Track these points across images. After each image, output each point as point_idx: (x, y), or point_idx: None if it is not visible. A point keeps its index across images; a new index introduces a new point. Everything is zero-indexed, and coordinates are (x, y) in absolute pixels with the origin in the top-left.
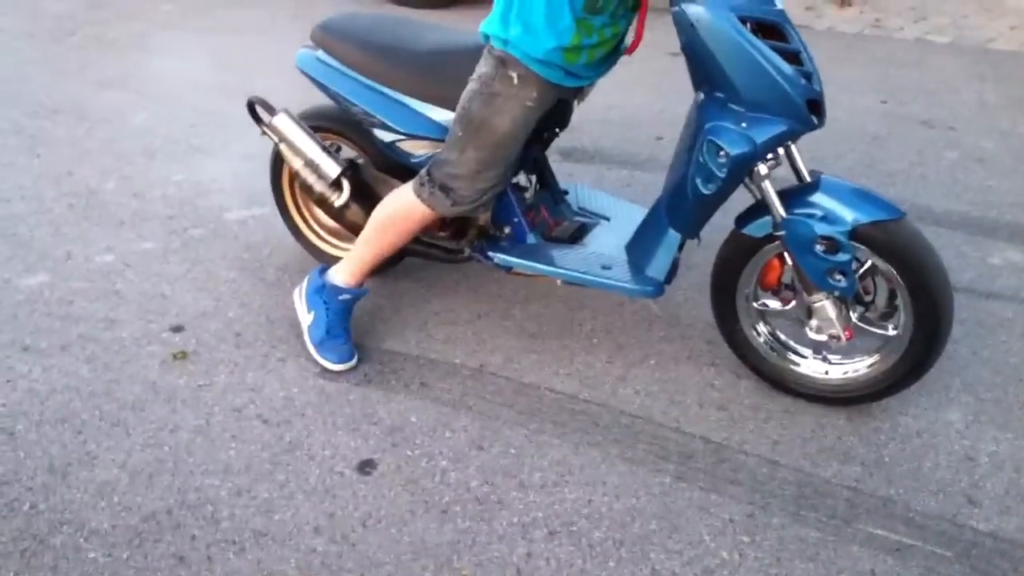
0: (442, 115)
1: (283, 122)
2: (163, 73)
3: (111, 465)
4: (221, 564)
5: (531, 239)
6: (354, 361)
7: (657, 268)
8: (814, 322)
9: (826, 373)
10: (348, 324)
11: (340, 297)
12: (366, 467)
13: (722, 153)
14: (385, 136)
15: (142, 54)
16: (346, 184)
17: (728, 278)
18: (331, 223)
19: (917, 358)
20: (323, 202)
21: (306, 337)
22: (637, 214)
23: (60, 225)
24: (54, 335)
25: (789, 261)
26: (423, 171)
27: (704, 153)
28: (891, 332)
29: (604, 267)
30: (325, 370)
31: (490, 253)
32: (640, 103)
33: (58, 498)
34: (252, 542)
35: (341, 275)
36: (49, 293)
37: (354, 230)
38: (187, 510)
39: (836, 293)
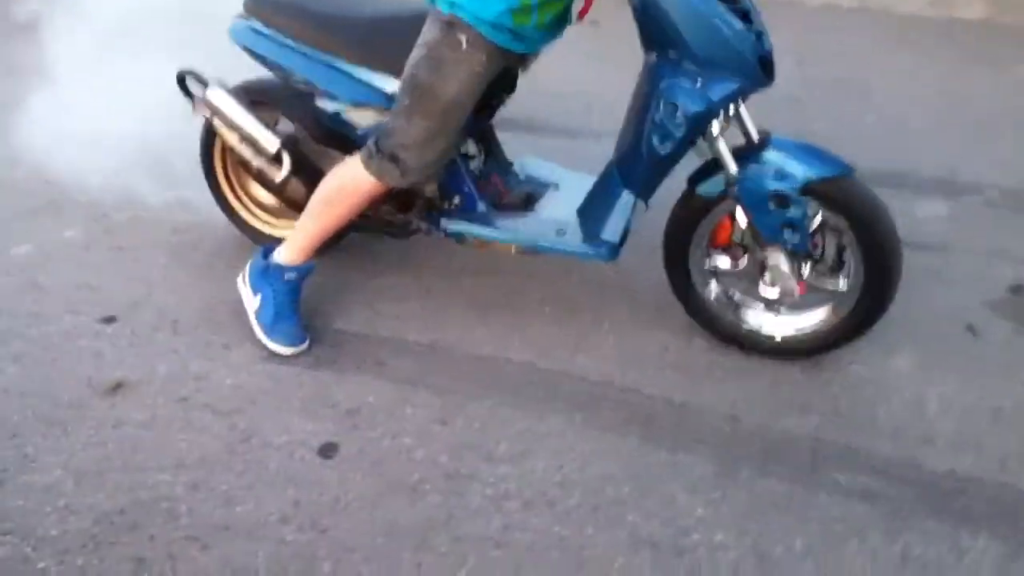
0: (387, 83)
1: (217, 95)
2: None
3: (53, 467)
4: (184, 563)
5: (481, 207)
6: (306, 344)
7: (612, 231)
8: (768, 277)
9: (777, 329)
10: (297, 305)
11: (286, 276)
12: (328, 451)
13: (679, 112)
14: (328, 107)
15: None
16: (286, 158)
17: (681, 239)
18: (268, 201)
19: (867, 310)
20: (262, 178)
21: (253, 322)
22: (585, 181)
23: None
24: None
25: (742, 218)
26: (370, 142)
27: (660, 113)
28: (841, 287)
29: (559, 232)
30: (274, 355)
31: (442, 223)
32: (568, 73)
33: None
34: (215, 537)
35: (286, 253)
36: None
37: (295, 206)
38: (141, 509)
39: (789, 247)
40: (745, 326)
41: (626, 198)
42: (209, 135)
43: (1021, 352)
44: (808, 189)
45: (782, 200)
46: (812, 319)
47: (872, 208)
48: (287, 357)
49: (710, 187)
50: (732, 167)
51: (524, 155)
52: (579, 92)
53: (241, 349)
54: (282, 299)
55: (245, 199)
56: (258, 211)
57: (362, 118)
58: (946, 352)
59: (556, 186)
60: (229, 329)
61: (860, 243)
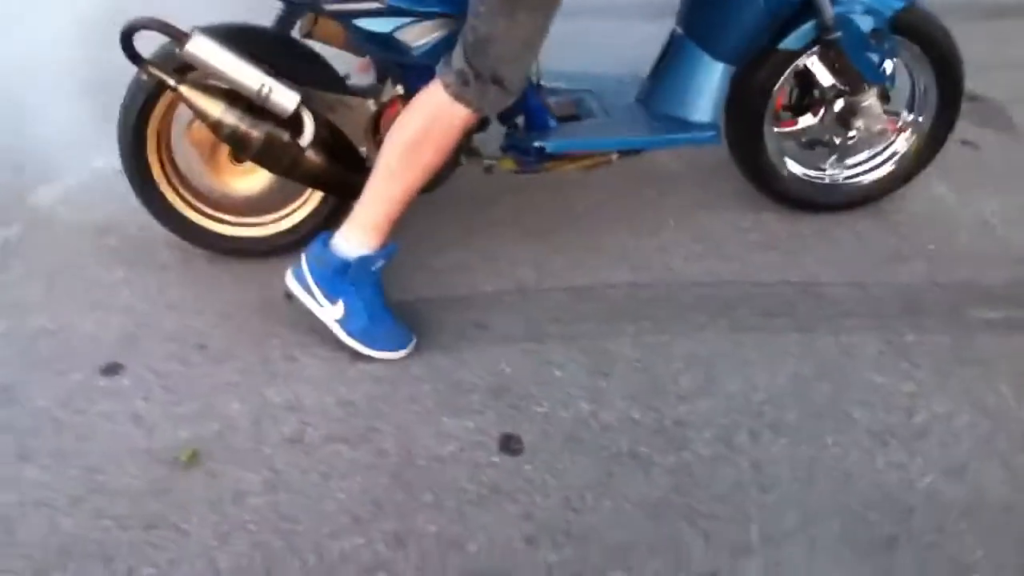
0: None
1: (204, 47)
2: None
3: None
4: None
5: (552, 122)
6: (414, 340)
7: (710, 110)
8: (860, 122)
9: (858, 177)
10: (384, 297)
11: (373, 268)
12: (510, 444)
13: None
14: (375, 26)
15: None
16: (308, 117)
17: (757, 105)
18: (218, 191)
19: (937, 137)
20: (269, 151)
21: (340, 334)
22: (613, 81)
23: None
24: None
25: (821, 72)
26: (456, 64)
27: None
28: (920, 119)
29: (654, 125)
30: (359, 355)
31: (537, 144)
32: None
33: None
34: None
35: (363, 237)
36: None
37: (313, 181)
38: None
39: (885, 84)
40: (823, 183)
41: (722, 70)
42: (144, 110)
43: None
44: (894, 21)
45: (877, 37)
46: (883, 162)
47: (943, 32)
48: (401, 358)
49: (796, 40)
50: (829, 11)
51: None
52: None
53: (313, 358)
54: (371, 297)
55: (185, 191)
56: (205, 207)
57: (418, 35)
58: (961, 169)
59: (589, 92)
60: (275, 337)
61: (935, 68)
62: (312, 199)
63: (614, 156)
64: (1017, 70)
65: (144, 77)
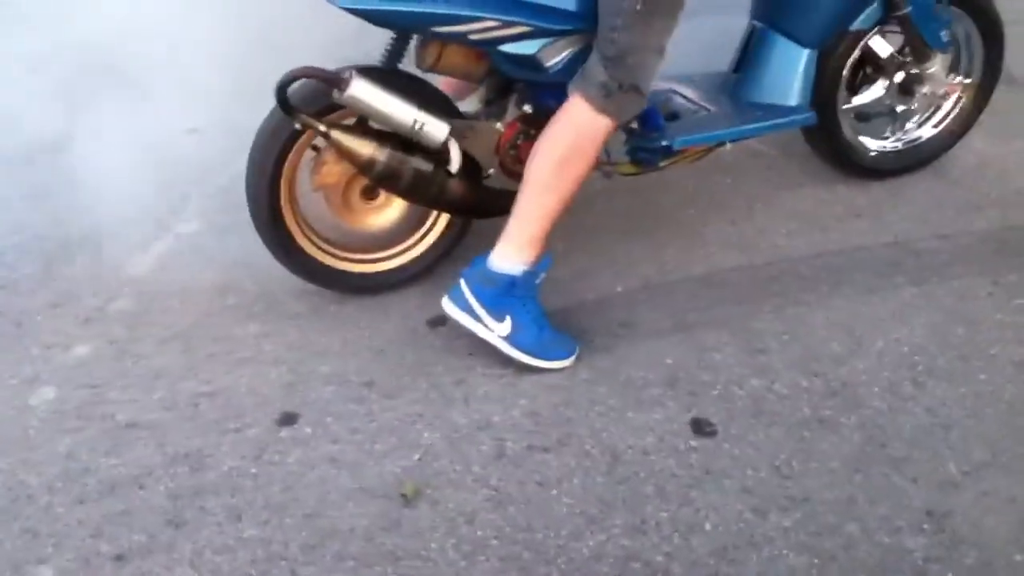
0: (561, 2)
1: (364, 88)
2: None
3: None
4: None
5: (661, 121)
6: (578, 346)
7: (803, 93)
8: (926, 88)
9: (928, 133)
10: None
11: (536, 281)
12: (703, 428)
13: None
14: (522, 49)
15: None
16: (455, 146)
17: (831, 87)
18: (347, 231)
19: (985, 95)
20: (418, 184)
21: (509, 351)
22: (687, 79)
23: None
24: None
25: (881, 46)
26: (600, 77)
27: None
28: (969, 80)
29: (756, 114)
30: (525, 367)
31: (665, 142)
32: None
33: None
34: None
35: (522, 252)
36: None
37: (457, 207)
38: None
39: (947, 50)
40: (898, 150)
41: (808, 56)
42: (279, 159)
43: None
44: None
45: (940, 7)
46: (939, 119)
47: (986, 1)
48: (569, 366)
49: (867, 19)
50: None
51: None
52: None
53: (481, 377)
54: (536, 309)
55: (314, 237)
56: (333, 249)
57: (554, 53)
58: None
59: (672, 91)
60: (437, 365)
61: (981, 32)
62: (436, 228)
63: (728, 145)
64: (1012, 26)
65: (297, 126)
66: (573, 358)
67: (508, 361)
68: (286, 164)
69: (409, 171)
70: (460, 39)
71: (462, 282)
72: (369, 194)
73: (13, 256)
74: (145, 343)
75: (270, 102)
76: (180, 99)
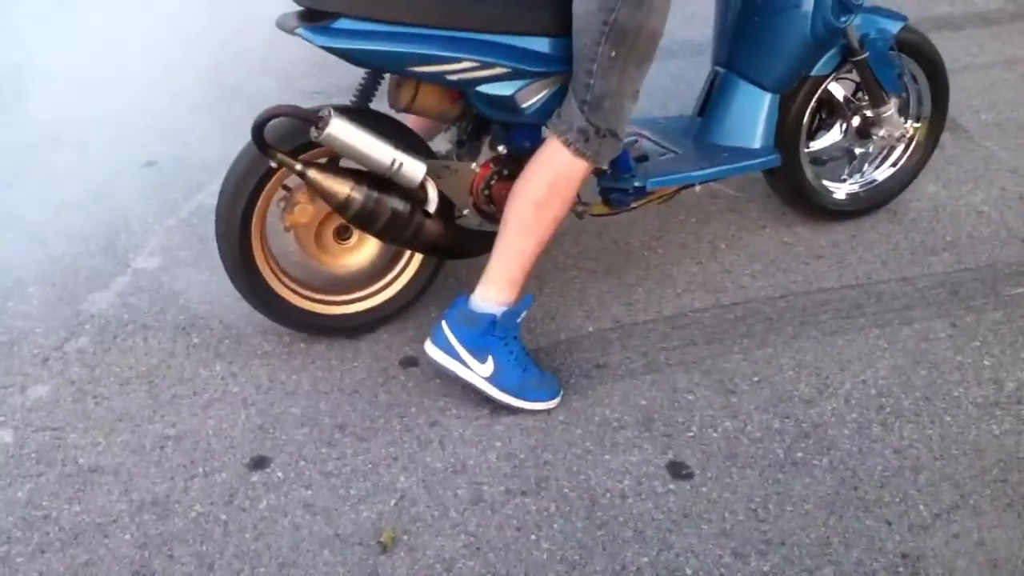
0: (542, 44)
1: (342, 128)
2: None
3: None
4: None
5: (631, 164)
6: (561, 387)
7: (766, 136)
8: (883, 131)
9: (867, 184)
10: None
11: (517, 320)
12: (680, 471)
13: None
14: (498, 90)
15: None
16: (431, 186)
17: (792, 132)
18: (317, 271)
19: (934, 137)
20: (394, 224)
21: (491, 392)
22: (648, 124)
23: None
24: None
25: (838, 91)
26: (578, 122)
27: (823, 10)
28: (918, 124)
29: (722, 156)
30: (501, 410)
31: (638, 184)
32: None
33: None
34: None
35: (501, 293)
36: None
37: (432, 247)
38: None
39: (902, 94)
40: (861, 193)
41: (770, 100)
42: (252, 197)
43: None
44: (898, 40)
45: (892, 53)
46: (893, 161)
47: (931, 46)
48: (553, 408)
49: (826, 65)
50: (855, 35)
51: None
52: None
53: (456, 419)
54: (518, 350)
55: (284, 277)
56: (301, 289)
57: (531, 94)
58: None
59: (638, 132)
60: (410, 407)
61: (928, 77)
62: (410, 268)
63: (697, 187)
64: (954, 75)
65: (273, 164)
66: (556, 401)
67: (482, 402)
68: (258, 203)
69: (386, 211)
70: (437, 79)
71: (443, 324)
72: (342, 234)
73: None
74: (106, 383)
75: (229, 136)
76: (137, 131)
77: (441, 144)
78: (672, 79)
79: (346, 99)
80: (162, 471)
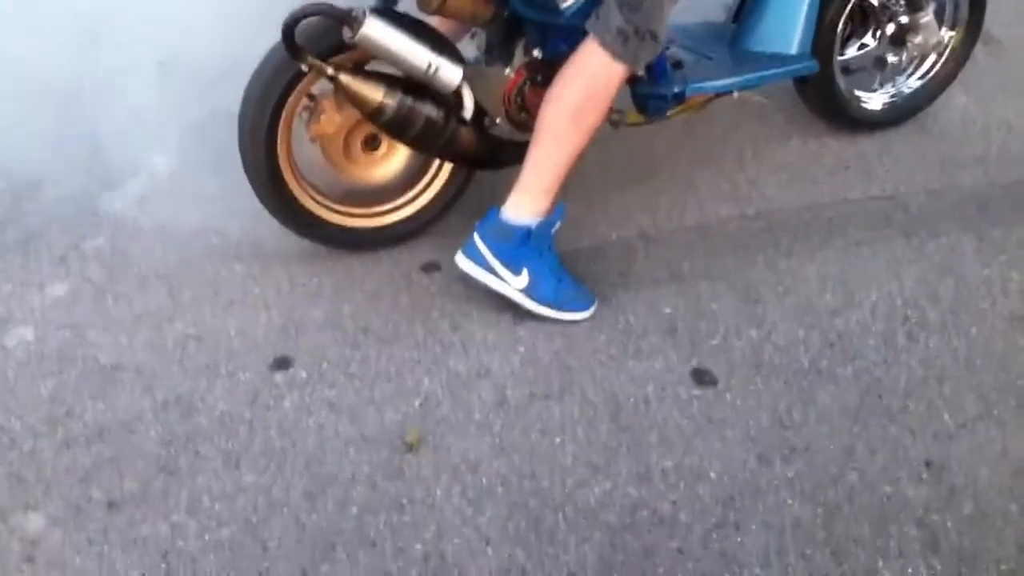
0: None
1: (378, 28)
2: None
3: None
4: None
5: (668, 68)
6: (596, 297)
7: (804, 42)
8: (918, 39)
9: (914, 86)
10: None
11: (552, 231)
12: (704, 378)
13: None
14: None
15: None
16: (467, 90)
17: (827, 39)
18: (344, 183)
19: (968, 47)
20: (428, 133)
21: (527, 303)
22: (679, 29)
23: None
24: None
25: None
26: (617, 22)
27: None
28: (952, 32)
29: (759, 62)
30: (523, 316)
31: (677, 90)
32: None
33: None
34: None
35: (536, 203)
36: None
37: (465, 157)
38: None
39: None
40: (893, 103)
41: (808, 4)
42: (279, 102)
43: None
44: None
45: None
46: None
47: None
48: (588, 318)
49: None
50: None
51: None
52: None
53: (478, 324)
54: (553, 261)
55: (309, 188)
56: (327, 201)
57: None
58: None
59: (672, 39)
60: (432, 310)
61: None
62: (439, 179)
63: (736, 94)
64: None
65: (304, 69)
66: (591, 310)
67: (505, 307)
68: (284, 110)
69: (420, 118)
70: None
71: (475, 236)
72: (370, 143)
73: None
74: (125, 283)
75: (240, 34)
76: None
77: (465, 51)
78: None
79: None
80: (184, 371)
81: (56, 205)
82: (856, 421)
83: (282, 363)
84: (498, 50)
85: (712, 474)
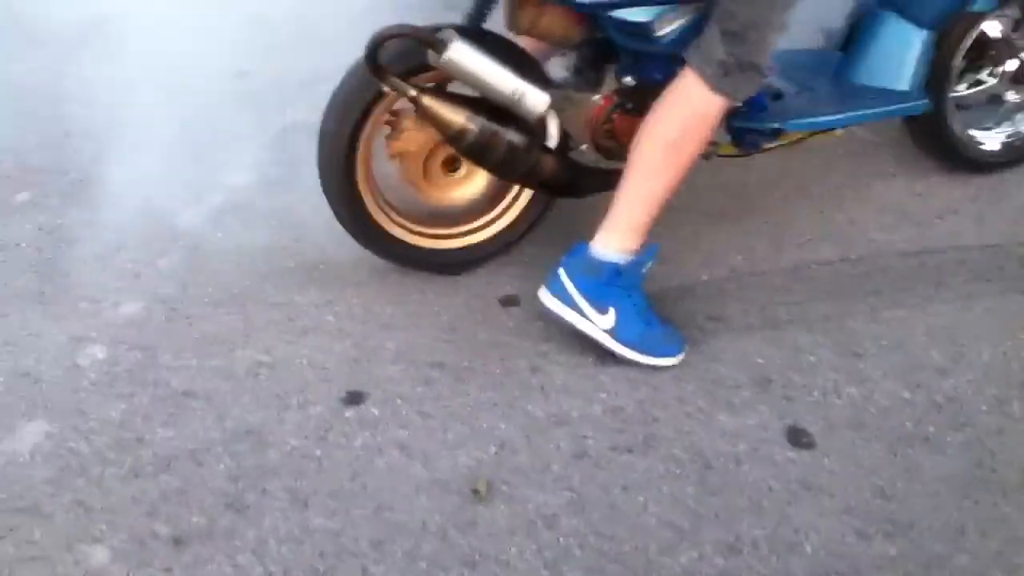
0: None
1: (463, 52)
2: None
3: None
4: None
5: (766, 102)
6: (686, 342)
7: (917, 78)
8: None
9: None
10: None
11: (643, 271)
12: (800, 438)
13: None
14: (638, 17)
15: None
16: (552, 118)
17: (944, 73)
18: (423, 204)
19: None
20: (512, 158)
21: (612, 345)
22: (783, 55)
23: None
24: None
25: (993, 29)
26: (718, 54)
27: None
28: None
29: (867, 98)
30: (605, 359)
31: (776, 125)
32: None
33: None
34: None
35: (626, 240)
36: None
37: (547, 184)
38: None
39: None
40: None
41: (925, 37)
42: (359, 122)
43: None
44: None
45: None
46: None
47: None
48: (676, 365)
49: (985, 3)
50: None
51: None
52: None
53: (558, 366)
54: (642, 302)
55: (386, 208)
56: (405, 222)
57: (668, 22)
58: None
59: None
60: (509, 348)
61: None
62: (518, 204)
63: (838, 132)
64: None
65: (386, 89)
66: (681, 356)
67: (586, 349)
68: (365, 129)
69: (502, 144)
70: (566, 1)
71: (561, 271)
72: (451, 165)
73: (58, 200)
74: (198, 304)
75: (321, 48)
76: (228, 39)
77: (556, 73)
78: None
79: (455, 18)
80: (256, 400)
81: (133, 219)
82: (966, 496)
83: (354, 398)
84: (587, 73)
85: (807, 547)
